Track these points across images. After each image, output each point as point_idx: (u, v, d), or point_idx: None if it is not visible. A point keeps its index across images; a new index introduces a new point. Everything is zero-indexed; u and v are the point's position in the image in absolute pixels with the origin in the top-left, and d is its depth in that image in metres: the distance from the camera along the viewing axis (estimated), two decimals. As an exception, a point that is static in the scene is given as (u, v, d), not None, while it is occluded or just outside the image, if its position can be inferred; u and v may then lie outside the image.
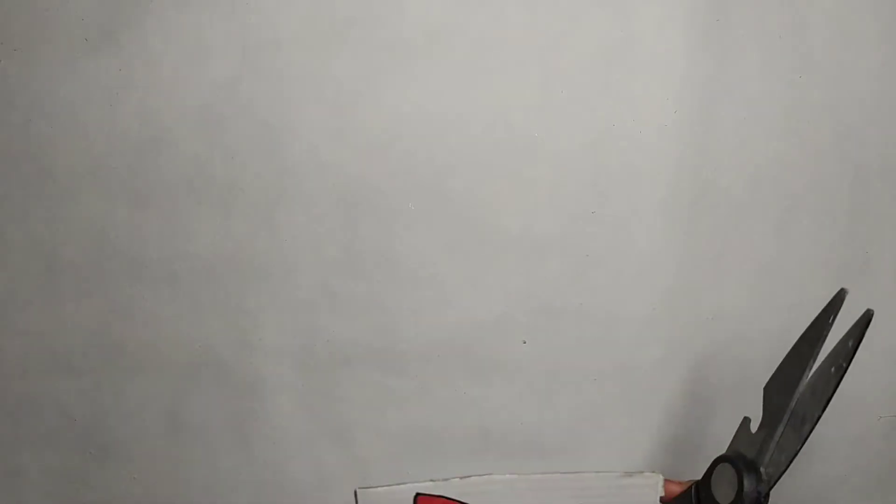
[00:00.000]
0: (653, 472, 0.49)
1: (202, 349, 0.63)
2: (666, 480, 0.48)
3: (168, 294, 0.62)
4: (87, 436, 0.64)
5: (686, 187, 0.60)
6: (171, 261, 0.61)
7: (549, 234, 0.61)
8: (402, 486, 0.50)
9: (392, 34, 0.59)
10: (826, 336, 0.40)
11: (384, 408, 0.63)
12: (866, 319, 0.38)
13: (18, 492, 0.65)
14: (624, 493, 0.49)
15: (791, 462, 0.39)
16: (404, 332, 0.62)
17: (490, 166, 0.60)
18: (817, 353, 0.40)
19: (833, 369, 0.39)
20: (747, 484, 0.40)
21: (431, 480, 0.49)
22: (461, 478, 0.50)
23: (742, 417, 0.45)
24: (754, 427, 0.43)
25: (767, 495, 0.40)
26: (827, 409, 0.65)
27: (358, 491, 0.50)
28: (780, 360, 0.44)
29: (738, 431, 0.45)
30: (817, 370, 0.40)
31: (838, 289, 0.59)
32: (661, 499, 0.48)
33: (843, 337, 0.39)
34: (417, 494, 0.50)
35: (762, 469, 0.40)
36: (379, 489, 0.50)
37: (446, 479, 0.49)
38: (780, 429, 0.40)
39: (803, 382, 0.40)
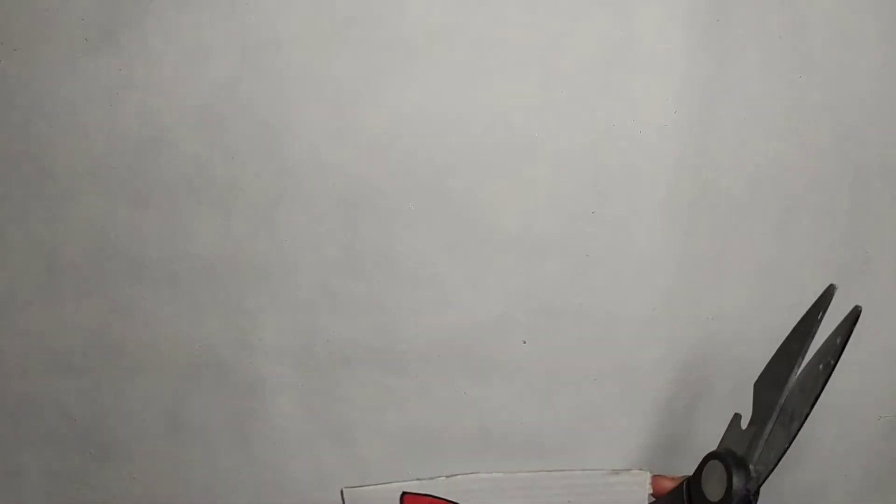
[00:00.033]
0: (640, 469, 0.49)
1: (202, 349, 0.63)
2: (657, 476, 0.48)
3: (168, 294, 0.62)
4: (87, 436, 0.64)
5: (686, 187, 0.60)
6: (171, 261, 0.61)
7: (549, 234, 0.61)
8: (388, 485, 0.50)
9: (392, 34, 0.59)
10: (815, 332, 0.40)
11: (384, 408, 0.63)
12: (854, 316, 0.38)
13: (18, 492, 0.65)
14: (611, 490, 0.49)
15: (780, 459, 0.39)
16: (404, 332, 0.62)
17: (490, 166, 0.60)
18: (806, 350, 0.40)
19: (821, 367, 0.38)
20: (736, 481, 0.40)
21: (418, 479, 0.49)
22: (447, 476, 0.49)
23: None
24: (745, 423, 0.43)
25: (757, 492, 0.40)
26: (826, 409, 0.65)
27: (344, 490, 0.50)
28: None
29: (728, 428, 0.45)
30: (806, 367, 0.40)
31: (838, 288, 0.59)
32: (652, 494, 0.47)
33: (832, 334, 0.39)
34: (404, 493, 0.50)
35: (751, 466, 0.40)
36: (365, 488, 0.50)
37: (433, 478, 0.49)
38: (769, 426, 0.40)
39: (792, 379, 0.40)
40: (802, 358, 0.40)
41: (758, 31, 0.59)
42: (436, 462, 0.63)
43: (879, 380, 0.63)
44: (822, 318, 0.40)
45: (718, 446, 0.44)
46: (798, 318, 0.42)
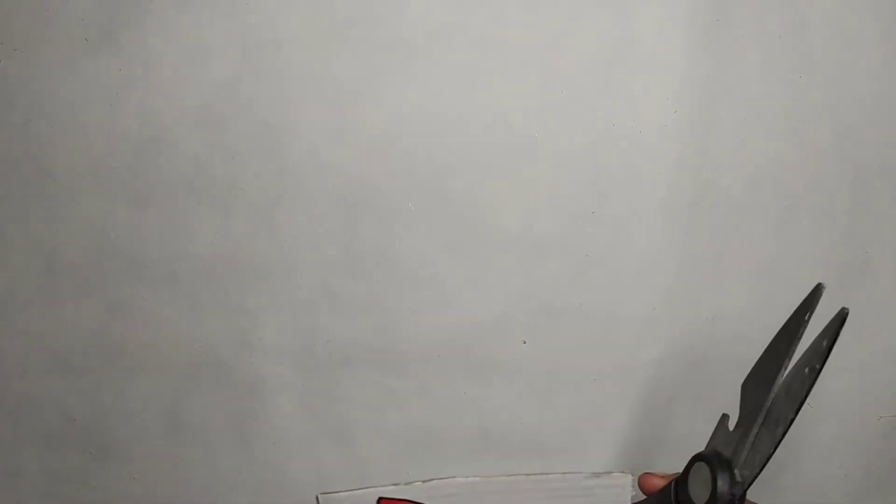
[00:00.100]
0: (622, 472, 0.49)
1: (202, 349, 0.63)
2: (647, 473, 0.47)
3: (168, 294, 0.62)
4: (87, 436, 0.64)
5: (686, 187, 0.60)
6: (171, 261, 0.61)
7: (549, 234, 0.61)
8: (364, 490, 0.49)
9: (392, 34, 0.59)
10: (802, 333, 0.39)
11: (384, 408, 0.63)
12: (841, 318, 0.37)
13: (18, 492, 0.65)
14: (592, 494, 0.49)
15: (766, 464, 0.39)
16: (404, 332, 0.62)
17: (490, 166, 0.60)
18: (793, 352, 0.39)
19: (807, 370, 0.38)
20: (721, 485, 0.39)
21: (394, 484, 0.49)
22: (423, 481, 0.49)
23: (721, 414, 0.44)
24: (732, 424, 0.43)
25: (743, 496, 0.40)
26: (826, 409, 0.65)
27: (320, 497, 0.50)
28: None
29: (716, 429, 0.44)
30: (793, 369, 0.39)
31: (838, 288, 0.59)
32: (643, 490, 0.47)
33: (818, 336, 0.38)
34: (380, 499, 0.49)
35: (737, 471, 0.40)
36: (341, 494, 0.49)
37: (409, 483, 0.49)
38: (755, 429, 0.39)
39: (778, 382, 0.39)
40: (789, 360, 0.39)
41: (758, 31, 0.59)
42: (436, 462, 0.63)
43: (879, 380, 0.63)
44: (809, 318, 0.39)
45: (706, 447, 0.44)
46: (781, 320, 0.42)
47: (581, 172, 0.60)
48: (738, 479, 0.39)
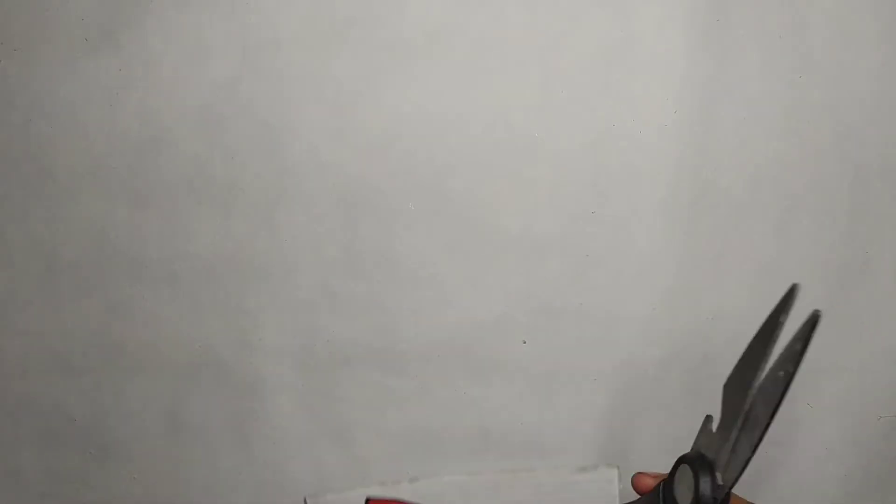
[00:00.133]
0: (608, 465, 0.49)
1: (202, 349, 0.63)
2: (640, 473, 0.47)
3: (168, 294, 0.62)
4: (87, 436, 0.64)
5: (686, 187, 0.60)
6: (171, 261, 0.61)
7: (549, 234, 0.61)
8: (352, 491, 0.49)
9: (392, 34, 0.59)
10: (778, 335, 0.39)
11: (384, 408, 0.63)
12: (812, 321, 0.37)
13: (18, 492, 0.65)
14: (579, 488, 0.49)
15: (745, 467, 0.39)
16: (404, 332, 0.62)
17: (490, 166, 0.60)
18: (769, 354, 0.39)
19: (781, 373, 0.38)
20: (702, 488, 0.40)
21: (381, 484, 0.49)
22: (410, 481, 0.49)
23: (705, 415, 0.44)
24: (716, 424, 0.43)
25: (726, 499, 0.40)
26: (826, 409, 0.65)
27: (308, 498, 0.50)
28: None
29: (700, 430, 0.44)
30: (769, 373, 0.39)
31: (838, 288, 0.59)
32: (635, 490, 0.47)
33: (791, 340, 0.38)
34: (368, 499, 0.50)
35: (718, 473, 0.40)
36: (329, 496, 0.49)
37: (396, 483, 0.49)
38: (735, 432, 0.40)
39: (755, 385, 0.39)
40: (766, 362, 0.39)
41: (758, 31, 0.59)
42: (436, 462, 0.63)
43: (879, 380, 0.63)
44: (784, 320, 0.39)
45: (691, 448, 0.44)
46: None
47: (581, 172, 0.60)
48: (720, 482, 0.39)
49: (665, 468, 0.45)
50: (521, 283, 0.61)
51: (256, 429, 0.64)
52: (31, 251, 0.62)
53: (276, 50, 0.59)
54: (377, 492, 0.49)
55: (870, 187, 0.61)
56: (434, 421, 0.63)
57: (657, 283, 0.61)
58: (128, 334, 0.62)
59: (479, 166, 0.60)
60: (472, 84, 0.60)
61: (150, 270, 0.62)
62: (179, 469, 0.64)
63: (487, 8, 0.59)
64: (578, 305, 0.62)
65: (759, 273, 0.62)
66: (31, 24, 0.59)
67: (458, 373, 0.62)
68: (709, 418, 0.44)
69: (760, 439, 0.38)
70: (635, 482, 0.48)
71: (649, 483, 0.46)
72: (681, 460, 0.43)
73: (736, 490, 0.41)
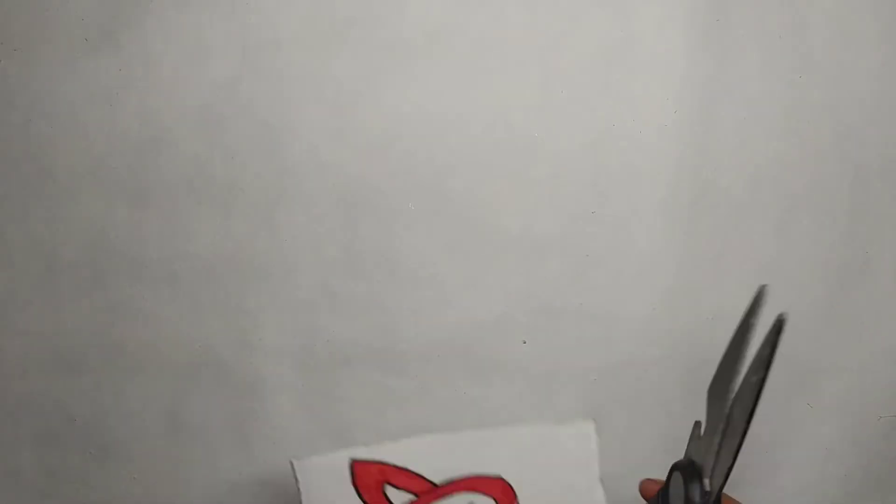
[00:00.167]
0: (584, 419, 0.49)
1: (202, 349, 0.63)
2: (647, 480, 0.48)
3: (168, 294, 0.62)
4: (87, 436, 0.64)
5: (686, 187, 0.60)
6: (171, 261, 0.61)
7: (549, 234, 0.61)
8: (337, 453, 0.50)
9: (392, 34, 0.59)
10: (750, 339, 0.40)
11: (384, 408, 0.63)
12: (778, 326, 0.37)
13: (18, 492, 0.65)
14: (558, 443, 0.50)
15: (729, 473, 0.39)
16: (404, 332, 0.62)
17: (490, 166, 0.60)
18: (744, 357, 0.40)
19: (754, 379, 0.38)
20: (691, 495, 0.40)
21: (365, 445, 0.50)
22: (393, 441, 0.50)
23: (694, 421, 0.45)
24: (703, 430, 0.43)
25: (718, 501, 0.40)
26: (826, 409, 0.65)
27: (294, 462, 0.50)
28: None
29: (690, 436, 0.45)
30: (744, 377, 0.40)
31: (838, 288, 0.59)
32: (643, 496, 0.48)
33: (760, 346, 0.38)
34: (353, 460, 0.50)
35: (706, 480, 0.40)
36: (314, 458, 0.50)
37: (380, 444, 0.50)
38: (718, 438, 0.40)
39: (733, 390, 0.40)
40: (741, 366, 0.40)
41: (758, 31, 0.59)
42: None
43: (879, 380, 0.63)
44: (755, 322, 0.40)
45: (684, 455, 0.44)
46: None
47: (581, 172, 0.60)
48: (708, 488, 0.40)
49: (664, 468, 0.45)
50: (521, 283, 0.61)
51: (256, 429, 0.64)
52: (31, 251, 0.62)
53: (276, 50, 0.59)
54: (362, 453, 0.50)
55: (870, 187, 0.61)
56: (434, 421, 0.63)
57: (657, 283, 0.61)
58: (128, 334, 0.62)
59: (479, 166, 0.60)
60: (472, 84, 0.60)
61: (150, 270, 0.62)
62: (179, 469, 0.64)
63: (487, 8, 0.59)
64: (578, 305, 0.62)
65: (759, 273, 0.62)
66: (31, 24, 0.60)
67: (458, 373, 0.62)
68: (697, 424, 0.44)
69: (741, 444, 0.38)
70: (643, 489, 0.49)
71: (655, 490, 0.47)
72: (674, 467, 0.43)
73: (735, 490, 0.41)
